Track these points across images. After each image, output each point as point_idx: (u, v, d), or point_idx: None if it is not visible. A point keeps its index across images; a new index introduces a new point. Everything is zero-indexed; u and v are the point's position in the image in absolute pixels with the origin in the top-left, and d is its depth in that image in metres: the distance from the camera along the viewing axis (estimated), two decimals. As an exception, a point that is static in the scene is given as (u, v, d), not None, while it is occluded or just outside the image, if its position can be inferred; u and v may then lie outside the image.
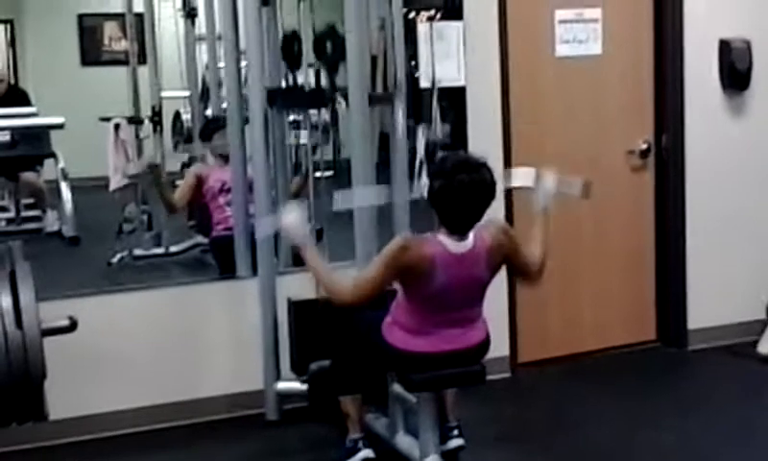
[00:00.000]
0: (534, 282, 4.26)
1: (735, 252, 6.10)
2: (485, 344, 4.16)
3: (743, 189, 6.07)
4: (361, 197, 4.52)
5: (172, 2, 6.26)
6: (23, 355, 3.05)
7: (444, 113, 5.58)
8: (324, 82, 5.04)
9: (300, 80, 5.16)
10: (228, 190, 5.33)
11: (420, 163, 5.26)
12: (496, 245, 4.01)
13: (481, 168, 3.93)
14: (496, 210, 4.31)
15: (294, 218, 4.10)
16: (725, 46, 5.93)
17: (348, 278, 4.06)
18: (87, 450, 4.81)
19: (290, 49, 5.13)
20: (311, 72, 5.12)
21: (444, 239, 3.91)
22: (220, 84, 5.92)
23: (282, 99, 5.14)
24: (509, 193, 5.33)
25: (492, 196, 3.95)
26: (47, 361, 3.11)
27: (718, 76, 5.98)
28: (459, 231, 3.92)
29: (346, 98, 4.77)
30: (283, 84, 5.15)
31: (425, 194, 4.05)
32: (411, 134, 5.21)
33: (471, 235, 3.95)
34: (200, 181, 5.66)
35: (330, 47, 4.95)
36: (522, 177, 4.36)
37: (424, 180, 5.10)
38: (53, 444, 4.75)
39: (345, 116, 5.14)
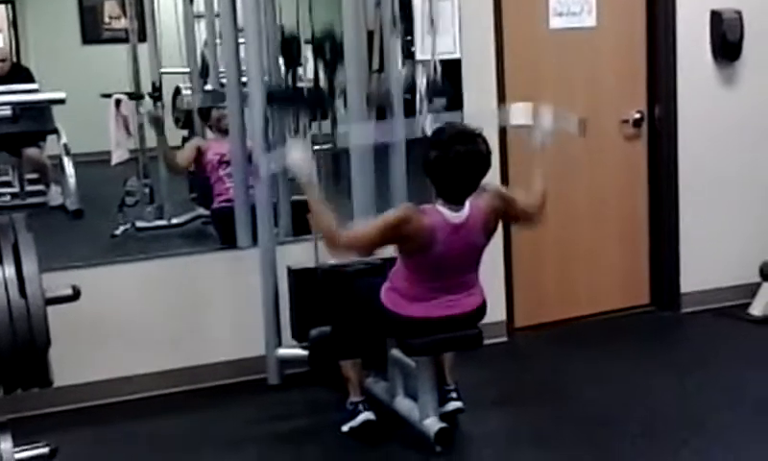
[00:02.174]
0: (537, 222, 4.38)
1: (727, 216, 6.18)
2: (481, 309, 4.26)
3: (734, 156, 6.14)
4: (361, 134, 4.57)
5: (170, -20, 6.34)
6: (27, 323, 3.10)
7: (442, 87, 5.65)
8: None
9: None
10: (228, 163, 5.39)
11: (421, 100, 5.33)
12: (492, 210, 4.11)
13: (476, 139, 4.02)
14: (492, 176, 4.36)
15: (299, 153, 4.07)
16: (716, 17, 5.98)
17: (347, 227, 4.10)
18: (92, 416, 4.88)
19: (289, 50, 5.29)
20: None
21: (442, 209, 4.00)
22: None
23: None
24: (504, 159, 5.42)
25: (487, 166, 4.04)
26: (53, 329, 3.19)
27: (710, 46, 6.04)
28: (455, 201, 4.01)
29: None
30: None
31: (427, 131, 4.12)
32: (408, 107, 5.28)
33: (467, 204, 4.04)
34: (200, 153, 5.77)
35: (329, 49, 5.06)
36: (520, 114, 4.42)
37: (426, 116, 5.18)
38: (58, 410, 4.82)
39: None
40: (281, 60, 5.52)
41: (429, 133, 4.42)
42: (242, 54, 5.06)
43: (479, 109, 5.34)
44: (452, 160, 3.96)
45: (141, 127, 5.99)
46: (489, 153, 4.04)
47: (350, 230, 4.09)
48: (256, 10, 4.91)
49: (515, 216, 4.35)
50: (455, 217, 4.00)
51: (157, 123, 5.88)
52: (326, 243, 4.09)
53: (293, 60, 5.35)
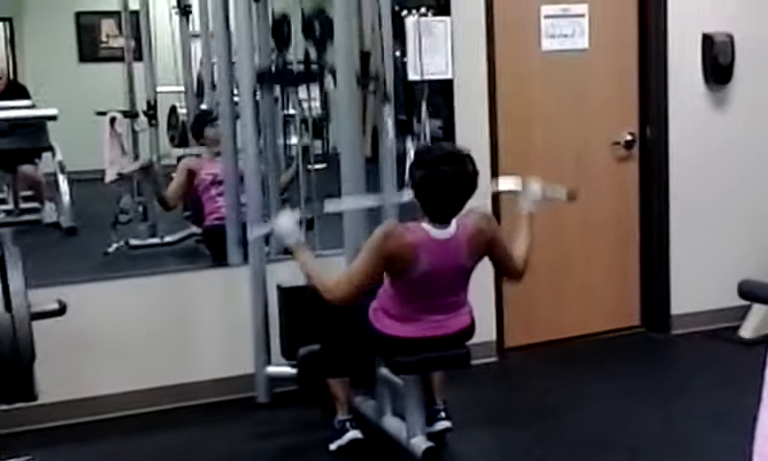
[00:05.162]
0: (516, 278, 4.35)
1: (717, 239, 6.18)
2: (469, 330, 4.26)
3: (724, 179, 6.15)
4: (351, 203, 4.62)
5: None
6: (12, 338, 3.14)
7: (437, 109, 5.69)
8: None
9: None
10: (220, 182, 5.39)
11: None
12: (477, 231, 4.10)
13: (464, 159, 4.02)
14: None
15: (286, 222, 4.21)
16: (708, 40, 6.01)
17: (338, 275, 4.12)
18: (80, 433, 4.85)
19: (280, 31, 5.26)
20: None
21: (426, 226, 4.01)
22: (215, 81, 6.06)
23: (272, 78, 5.24)
24: (496, 195, 5.43)
25: (474, 187, 4.04)
26: (41, 345, 3.21)
27: (701, 69, 6.06)
28: (441, 221, 4.02)
29: (333, 76, 4.84)
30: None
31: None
32: (401, 132, 5.29)
33: (454, 223, 4.04)
34: (191, 175, 5.76)
35: (318, 27, 5.03)
36: (509, 181, 4.50)
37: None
38: (43, 426, 4.78)
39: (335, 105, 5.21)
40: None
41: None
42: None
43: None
44: (439, 180, 3.96)
45: (135, 145, 6.04)
46: (476, 173, 4.04)
47: (342, 277, 4.09)
48: (248, 25, 4.96)
49: (498, 255, 4.22)
50: (440, 233, 4.01)
51: (147, 173, 5.88)
52: (327, 299, 4.10)
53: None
